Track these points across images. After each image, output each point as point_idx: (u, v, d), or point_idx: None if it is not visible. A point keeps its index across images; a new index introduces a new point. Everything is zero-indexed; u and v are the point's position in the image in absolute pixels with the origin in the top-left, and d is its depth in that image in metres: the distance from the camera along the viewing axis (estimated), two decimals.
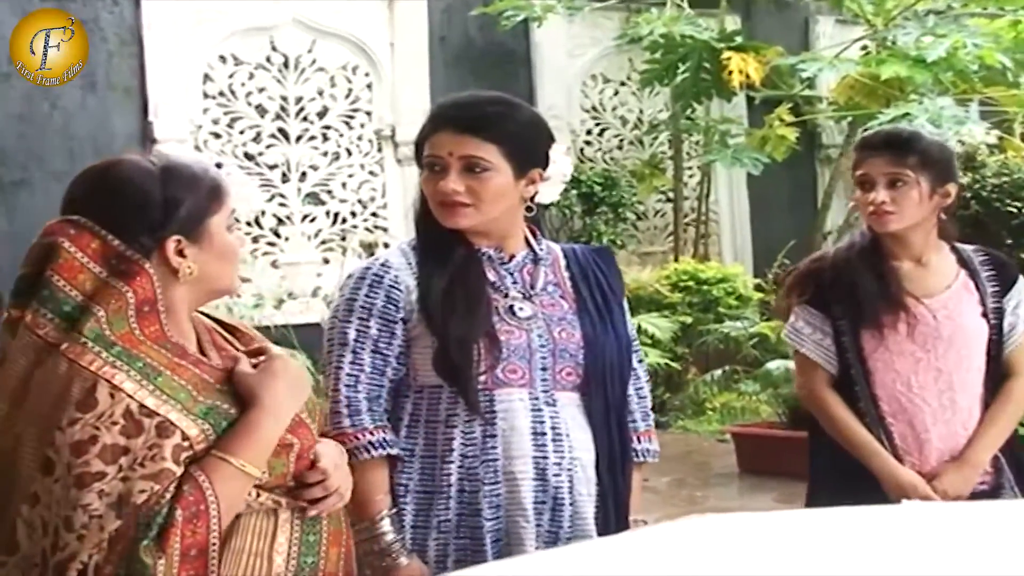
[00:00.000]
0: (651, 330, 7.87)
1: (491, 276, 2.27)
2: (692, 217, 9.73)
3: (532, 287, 2.30)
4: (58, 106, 7.63)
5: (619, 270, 2.47)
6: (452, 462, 2.19)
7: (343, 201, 8.59)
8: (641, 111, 9.88)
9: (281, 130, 8.39)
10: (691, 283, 8.56)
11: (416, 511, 2.21)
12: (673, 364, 8.10)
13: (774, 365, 6.86)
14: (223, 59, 8.24)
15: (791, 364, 6.38)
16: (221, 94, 8.24)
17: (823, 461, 2.91)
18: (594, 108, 9.75)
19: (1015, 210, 8.19)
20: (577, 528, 2.23)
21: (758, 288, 8.94)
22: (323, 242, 8.54)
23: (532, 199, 2.29)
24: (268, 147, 8.35)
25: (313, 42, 8.46)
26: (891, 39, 8.31)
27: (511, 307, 2.25)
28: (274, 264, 8.29)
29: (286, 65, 8.40)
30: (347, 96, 8.60)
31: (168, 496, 1.66)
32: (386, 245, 7.89)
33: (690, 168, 9.80)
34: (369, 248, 8.22)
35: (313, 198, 8.51)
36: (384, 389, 2.22)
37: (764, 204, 9.88)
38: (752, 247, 10.02)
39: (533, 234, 2.36)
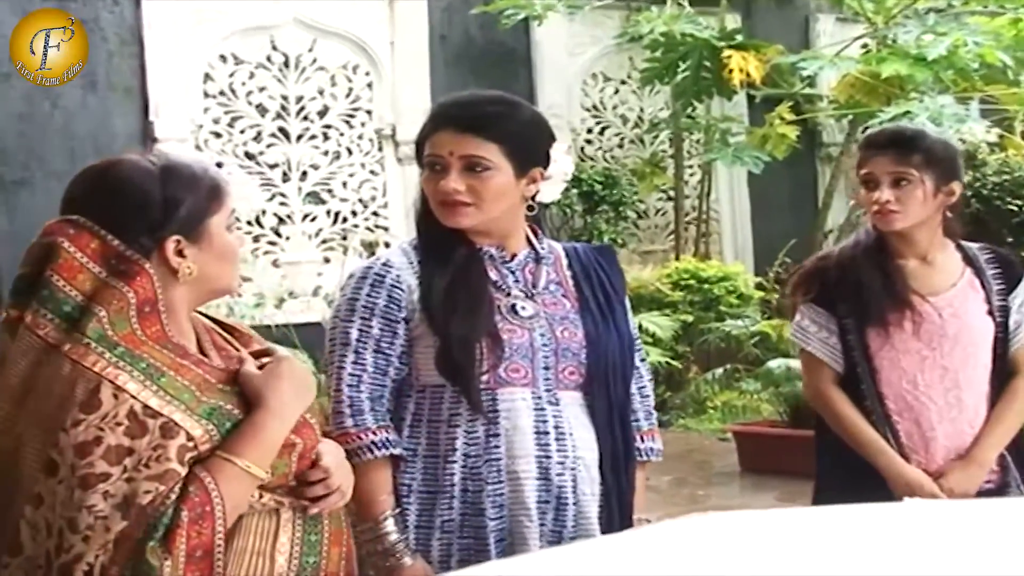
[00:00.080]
0: (652, 329, 7.87)
1: (493, 275, 2.26)
2: (693, 216, 9.73)
3: (534, 286, 2.29)
4: (59, 106, 7.63)
5: (621, 269, 2.46)
6: (455, 462, 2.18)
7: (344, 200, 8.59)
8: (642, 110, 9.88)
9: (282, 129, 8.39)
10: (692, 282, 8.57)
11: (419, 511, 2.20)
12: (674, 363, 8.10)
13: (775, 364, 6.85)
14: (223, 58, 8.24)
15: (792, 363, 6.44)
16: (222, 93, 8.24)
17: (829, 459, 2.90)
18: (595, 107, 9.75)
19: (1016, 208, 8.21)
20: (581, 527, 2.23)
21: (759, 287, 8.95)
22: (324, 241, 8.54)
23: (533, 198, 2.28)
24: (269, 146, 8.35)
25: (313, 41, 8.46)
26: (892, 37, 8.31)
27: (513, 306, 2.24)
28: (275, 263, 8.30)
29: (286, 64, 8.40)
30: (347, 95, 8.60)
31: (173, 497, 1.65)
32: (387, 244, 7.90)
33: (691, 167, 9.80)
34: (370, 247, 8.21)
35: (314, 197, 8.51)
36: (387, 389, 2.21)
37: (765, 203, 9.88)
38: (753, 246, 10.02)
39: (534, 233, 2.36)
